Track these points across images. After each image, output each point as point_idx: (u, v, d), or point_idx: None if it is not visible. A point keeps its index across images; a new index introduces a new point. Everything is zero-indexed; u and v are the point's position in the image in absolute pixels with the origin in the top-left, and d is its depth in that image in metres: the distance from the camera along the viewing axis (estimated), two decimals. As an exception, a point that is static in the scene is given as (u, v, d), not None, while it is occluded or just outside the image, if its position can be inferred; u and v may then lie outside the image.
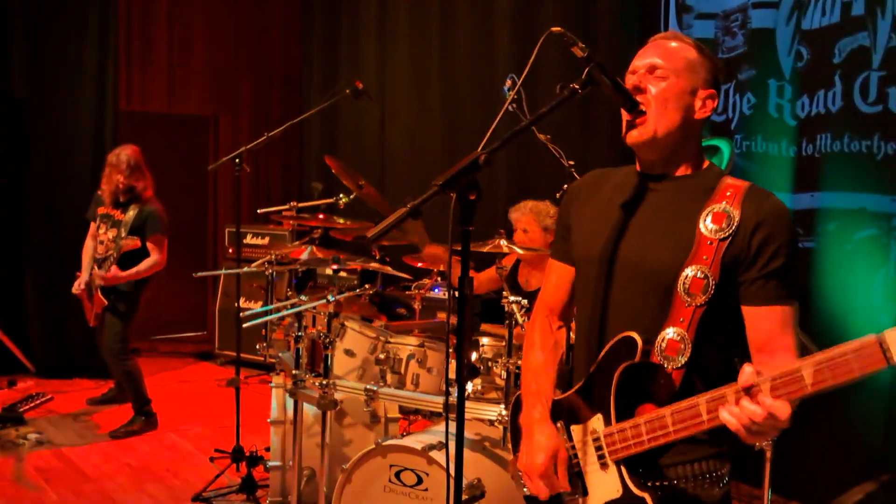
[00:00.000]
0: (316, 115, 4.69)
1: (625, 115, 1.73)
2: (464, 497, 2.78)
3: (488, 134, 1.65)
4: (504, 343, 3.09)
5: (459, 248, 1.56)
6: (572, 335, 2.05)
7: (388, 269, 3.99)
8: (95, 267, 5.01)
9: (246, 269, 4.29)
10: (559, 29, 1.66)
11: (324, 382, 3.17)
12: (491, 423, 3.03)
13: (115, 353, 4.99)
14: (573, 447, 1.75)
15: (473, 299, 4.39)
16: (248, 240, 7.05)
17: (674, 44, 1.74)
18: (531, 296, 3.97)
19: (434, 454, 2.88)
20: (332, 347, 3.26)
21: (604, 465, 1.68)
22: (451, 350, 3.00)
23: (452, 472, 1.63)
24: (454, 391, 2.82)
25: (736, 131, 4.32)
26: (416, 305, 4.46)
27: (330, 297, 3.21)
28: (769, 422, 1.37)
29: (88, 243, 5.17)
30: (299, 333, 3.38)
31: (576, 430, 1.75)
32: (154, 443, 4.92)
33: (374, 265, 3.90)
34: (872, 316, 3.64)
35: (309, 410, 3.54)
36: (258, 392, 6.06)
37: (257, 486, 4.00)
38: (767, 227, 1.61)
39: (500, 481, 3.00)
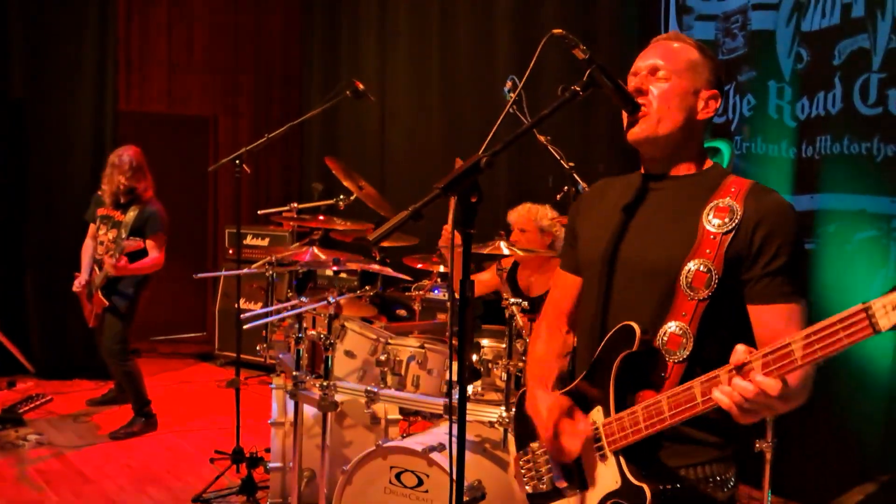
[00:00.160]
0: (316, 116, 4.69)
1: (626, 116, 1.74)
2: (464, 499, 2.78)
3: (489, 136, 1.65)
4: (504, 345, 3.09)
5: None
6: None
7: (389, 271, 3.99)
8: (95, 268, 5.01)
9: (246, 270, 4.29)
10: (560, 31, 1.66)
11: (324, 384, 3.17)
12: (491, 424, 3.03)
13: (115, 353, 4.99)
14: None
15: (474, 300, 4.39)
16: (249, 241, 7.05)
17: (676, 45, 1.75)
18: (534, 301, 3.97)
19: (435, 456, 2.88)
20: (333, 349, 3.25)
21: (603, 457, 1.67)
22: (451, 352, 3.00)
23: (453, 473, 1.63)
24: (455, 393, 2.82)
25: (736, 133, 4.33)
26: (417, 307, 4.45)
27: (330, 299, 3.21)
28: (761, 399, 1.36)
29: (88, 244, 5.17)
30: (300, 335, 3.38)
31: None
32: (154, 444, 4.92)
33: (374, 267, 3.90)
34: (872, 317, 3.63)
35: (309, 412, 3.54)
36: (258, 393, 6.06)
37: (257, 488, 4.00)
38: (769, 225, 1.61)
39: (501, 483, 3.00)
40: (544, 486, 1.82)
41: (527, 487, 1.86)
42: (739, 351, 1.40)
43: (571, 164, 3.43)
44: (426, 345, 3.28)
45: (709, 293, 1.61)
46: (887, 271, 3.64)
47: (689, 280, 1.63)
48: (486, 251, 3.35)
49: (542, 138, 3.40)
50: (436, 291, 4.73)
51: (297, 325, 3.42)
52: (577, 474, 1.74)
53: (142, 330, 6.15)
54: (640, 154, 1.81)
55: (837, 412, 3.80)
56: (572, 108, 1.65)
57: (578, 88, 1.63)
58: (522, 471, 1.88)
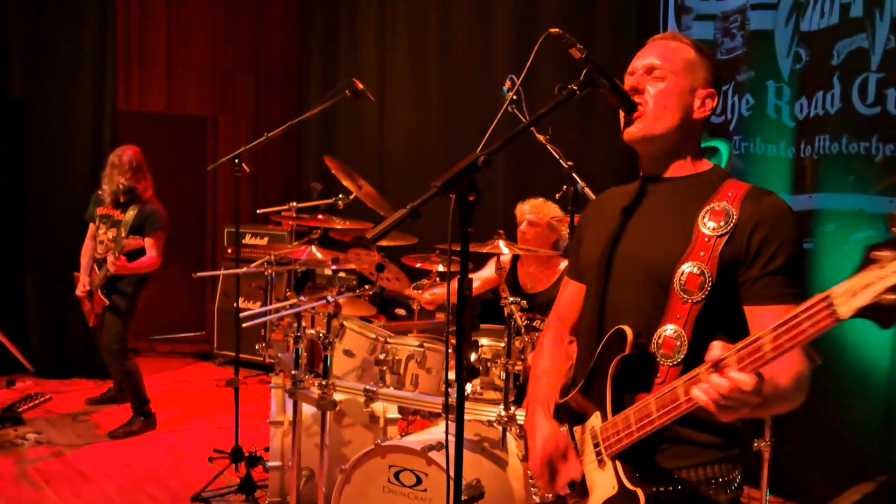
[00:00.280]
0: (315, 116, 4.69)
1: (623, 115, 1.74)
2: (463, 497, 2.78)
3: (487, 135, 1.65)
4: (503, 344, 3.09)
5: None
6: None
7: (384, 283, 3.99)
8: (95, 267, 5.01)
9: (245, 269, 4.29)
10: (557, 30, 1.66)
11: (323, 383, 3.17)
12: (490, 423, 3.03)
13: (115, 353, 4.99)
14: (575, 448, 1.76)
15: (472, 299, 4.38)
16: (247, 240, 7.05)
17: (672, 44, 1.75)
18: (534, 298, 3.98)
19: (433, 455, 2.88)
20: (332, 348, 3.26)
21: (601, 463, 1.67)
22: (450, 350, 3.00)
23: (451, 472, 1.63)
24: (453, 392, 2.83)
25: (734, 133, 4.33)
26: (415, 306, 4.46)
27: (329, 298, 3.21)
28: (736, 394, 1.34)
29: (88, 244, 5.17)
30: (298, 334, 3.38)
31: (577, 430, 1.76)
32: (153, 443, 4.92)
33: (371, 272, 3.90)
34: (870, 317, 3.64)
35: (308, 411, 3.55)
36: (257, 392, 6.07)
37: (256, 487, 4.00)
38: (767, 226, 1.59)
39: (499, 482, 3.01)
40: (550, 495, 1.83)
41: (535, 497, 1.87)
42: (716, 347, 1.39)
43: (570, 163, 3.42)
44: (425, 344, 3.29)
45: (702, 296, 1.60)
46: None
47: (683, 283, 1.61)
48: (485, 250, 3.35)
49: (540, 137, 3.40)
50: (434, 291, 4.73)
51: (295, 324, 3.42)
52: (580, 482, 1.74)
53: (141, 329, 6.15)
54: (637, 154, 1.81)
55: (836, 412, 3.80)
56: (570, 106, 1.65)
57: (575, 87, 1.63)
58: (531, 480, 1.89)
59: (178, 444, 4.90)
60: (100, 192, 5.09)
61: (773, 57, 4.14)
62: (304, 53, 8.11)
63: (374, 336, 3.44)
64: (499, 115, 1.73)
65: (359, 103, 4.55)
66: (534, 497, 1.88)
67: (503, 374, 3.00)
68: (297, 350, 3.35)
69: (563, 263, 4.14)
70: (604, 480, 1.66)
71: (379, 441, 3.05)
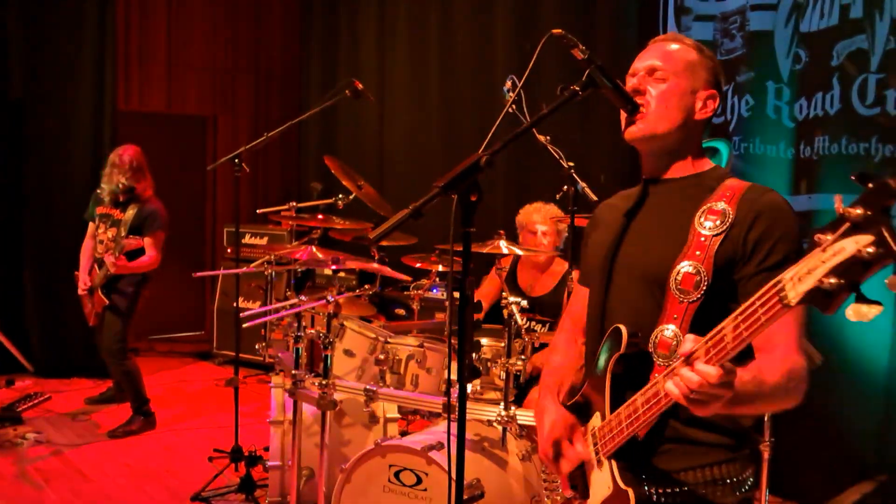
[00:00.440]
0: (315, 116, 4.69)
1: (625, 116, 1.74)
2: (463, 497, 2.78)
3: (489, 136, 1.66)
4: (503, 344, 3.09)
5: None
6: None
7: (387, 270, 3.99)
8: (95, 267, 5.01)
9: (245, 269, 4.29)
10: (560, 31, 1.66)
11: (323, 382, 3.18)
12: (490, 423, 3.03)
13: (115, 352, 4.99)
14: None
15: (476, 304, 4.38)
16: (247, 240, 7.05)
17: (674, 45, 1.76)
18: (534, 301, 3.98)
19: (433, 454, 2.88)
20: (332, 348, 3.26)
21: (599, 463, 1.67)
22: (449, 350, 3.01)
23: (451, 471, 1.63)
24: (454, 391, 2.83)
25: (734, 133, 4.33)
26: (415, 306, 4.46)
27: (329, 298, 3.21)
28: (704, 388, 1.32)
29: (87, 244, 5.17)
30: (299, 333, 3.39)
31: (580, 431, 1.77)
32: (153, 442, 4.92)
33: (373, 266, 3.91)
34: (870, 317, 3.65)
35: (308, 410, 3.55)
36: (257, 392, 6.07)
37: (256, 486, 4.00)
38: (764, 223, 1.59)
39: (499, 481, 3.01)
40: (559, 497, 1.83)
41: (546, 500, 1.87)
42: (688, 340, 1.37)
43: (571, 163, 3.43)
44: (425, 344, 3.29)
45: (699, 295, 1.59)
46: (885, 271, 3.65)
47: (678, 282, 1.61)
48: (485, 250, 3.36)
49: (541, 138, 3.40)
50: (434, 290, 4.74)
51: (295, 324, 3.43)
52: (581, 483, 1.75)
53: (140, 329, 6.15)
54: (639, 155, 1.82)
55: (835, 411, 3.81)
56: (571, 107, 1.66)
57: (577, 88, 1.64)
58: (545, 482, 1.89)
59: (177, 444, 4.90)
60: (99, 192, 5.09)
61: (772, 58, 4.15)
62: (304, 53, 8.11)
63: (374, 336, 3.45)
64: (501, 116, 1.74)
65: (359, 103, 4.56)
66: (545, 500, 1.88)
67: (503, 374, 3.01)
68: (297, 350, 3.36)
69: (563, 267, 4.15)
70: (601, 480, 1.66)
71: (379, 441, 3.05)
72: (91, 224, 5.17)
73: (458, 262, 1.59)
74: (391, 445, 3.01)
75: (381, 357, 3.30)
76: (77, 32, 6.48)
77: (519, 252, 3.48)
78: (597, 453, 1.68)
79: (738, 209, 1.61)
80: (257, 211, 4.95)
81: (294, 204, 4.27)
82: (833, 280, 1.10)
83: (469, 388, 3.21)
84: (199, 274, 4.64)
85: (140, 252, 4.88)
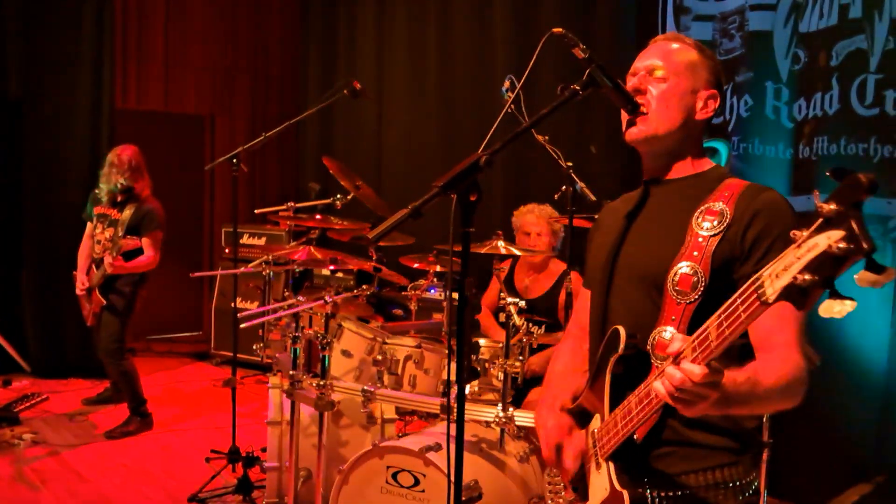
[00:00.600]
0: (313, 116, 4.69)
1: (625, 116, 1.74)
2: (461, 499, 2.78)
3: (489, 135, 1.65)
4: (501, 344, 3.08)
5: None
6: None
7: (385, 273, 3.99)
8: (94, 267, 5.00)
9: (243, 269, 4.28)
10: (560, 30, 1.66)
11: (321, 383, 3.17)
12: (488, 424, 3.02)
13: (112, 353, 4.97)
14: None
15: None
16: (245, 240, 7.04)
17: (674, 45, 1.75)
18: (531, 303, 3.97)
19: (431, 456, 2.88)
20: (330, 348, 3.25)
21: (598, 465, 1.66)
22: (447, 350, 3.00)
23: (449, 473, 1.62)
24: (452, 392, 2.82)
25: (733, 133, 4.33)
26: (413, 306, 4.45)
27: (327, 298, 3.21)
28: (688, 387, 1.31)
29: (85, 243, 5.16)
30: (296, 334, 3.38)
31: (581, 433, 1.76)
32: (150, 443, 4.91)
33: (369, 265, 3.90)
34: (868, 319, 3.65)
35: (306, 411, 3.54)
36: (254, 392, 6.05)
37: (253, 487, 3.99)
38: (762, 220, 1.57)
39: (497, 483, 3.00)
40: (562, 501, 1.83)
41: (549, 503, 1.87)
42: (676, 340, 1.36)
43: (570, 163, 3.42)
44: (423, 344, 3.28)
45: (696, 296, 1.57)
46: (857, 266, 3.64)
47: (676, 283, 1.60)
48: (483, 251, 3.35)
49: (540, 138, 3.39)
50: (432, 291, 4.73)
51: (293, 325, 3.42)
52: (582, 486, 1.74)
53: (138, 329, 6.13)
54: (640, 155, 1.81)
55: (833, 413, 3.80)
56: (570, 107, 1.65)
57: (578, 88, 1.63)
58: (549, 486, 1.89)
59: (175, 445, 4.89)
60: (97, 192, 5.08)
61: (771, 58, 4.14)
62: (302, 53, 8.10)
63: (371, 336, 3.44)
64: (501, 116, 1.73)
65: (357, 103, 4.56)
66: (549, 502, 1.88)
67: (501, 375, 3.00)
68: (294, 350, 3.35)
69: (559, 268, 4.14)
70: (599, 482, 1.66)
71: (377, 442, 3.05)
72: (89, 224, 5.16)
73: (458, 261, 1.58)
74: (389, 446, 3.00)
75: (379, 358, 3.30)
76: (75, 31, 6.47)
77: (517, 252, 3.48)
78: (596, 455, 1.67)
79: (736, 208, 1.60)
80: (255, 211, 4.94)
81: (292, 204, 4.25)
82: (808, 276, 1.09)
83: (467, 389, 3.20)
84: (196, 274, 4.63)
85: (138, 252, 4.87)
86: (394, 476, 2.97)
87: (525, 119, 3.06)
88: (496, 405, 2.99)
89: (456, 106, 6.29)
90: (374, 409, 3.58)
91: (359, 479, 3.04)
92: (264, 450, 3.93)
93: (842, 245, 1.06)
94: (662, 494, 1.62)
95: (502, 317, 3.12)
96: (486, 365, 3.26)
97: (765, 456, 3.17)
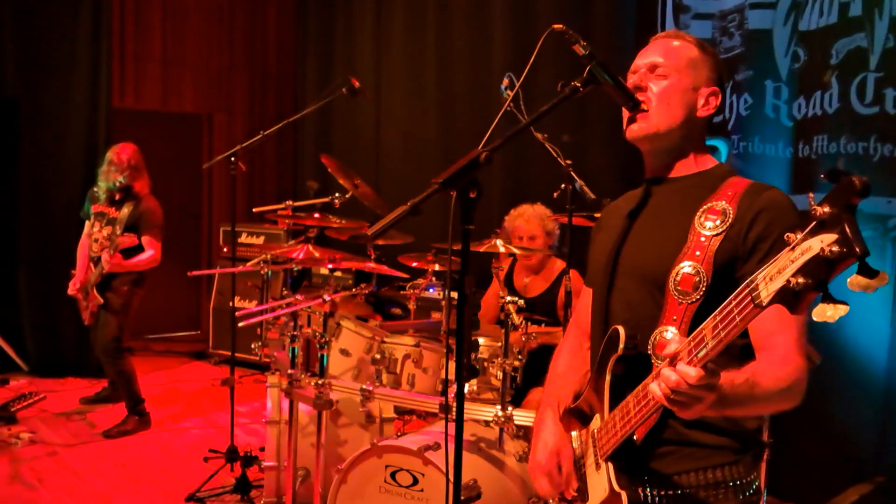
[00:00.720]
0: (311, 114, 4.67)
1: (626, 113, 1.72)
2: (460, 498, 2.77)
3: (489, 132, 1.64)
4: (500, 343, 3.07)
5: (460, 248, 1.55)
6: None
7: (385, 269, 3.98)
8: (91, 265, 4.99)
9: (241, 268, 4.27)
10: (561, 27, 1.64)
11: (319, 382, 3.16)
12: (486, 423, 3.01)
13: (110, 352, 4.96)
14: (580, 451, 1.75)
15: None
16: (243, 238, 7.02)
17: (675, 42, 1.74)
18: (530, 302, 3.96)
19: (430, 455, 2.87)
20: (328, 347, 3.24)
21: (597, 465, 1.65)
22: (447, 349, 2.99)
23: (448, 472, 1.62)
24: (451, 391, 2.81)
25: (733, 132, 4.32)
26: (411, 305, 4.44)
27: (325, 297, 3.19)
28: (684, 388, 1.30)
29: (84, 242, 5.15)
30: (295, 333, 3.37)
31: (583, 433, 1.75)
32: (148, 442, 4.90)
33: (369, 265, 3.89)
34: (868, 318, 3.64)
35: (304, 410, 3.53)
36: (253, 392, 6.04)
37: (252, 487, 3.98)
38: (764, 219, 1.56)
39: (496, 482, 2.99)
40: (562, 501, 1.82)
41: (550, 501, 1.86)
42: (673, 341, 1.36)
43: (569, 161, 3.41)
44: (421, 343, 3.27)
45: (698, 296, 1.56)
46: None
47: (677, 283, 1.58)
48: (481, 249, 3.34)
49: (539, 136, 3.38)
50: (430, 290, 4.72)
51: (292, 324, 3.41)
52: (582, 486, 1.73)
53: (136, 328, 6.11)
54: (642, 153, 1.80)
55: (833, 413, 3.80)
56: (569, 104, 1.64)
57: (579, 84, 1.62)
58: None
59: (172, 444, 4.88)
60: (95, 190, 5.07)
61: (771, 56, 4.14)
62: (300, 51, 8.09)
63: (370, 335, 3.43)
64: (500, 113, 1.72)
65: (355, 101, 4.54)
66: (549, 502, 1.87)
67: (500, 374, 2.99)
68: (293, 349, 3.34)
69: (557, 267, 4.13)
70: (598, 483, 1.65)
71: (375, 441, 3.03)
72: (87, 222, 5.15)
73: (457, 259, 1.57)
74: (387, 446, 3.00)
75: (378, 357, 3.29)
76: (72, 29, 6.45)
77: (515, 251, 3.47)
78: (595, 455, 1.66)
79: (739, 207, 1.59)
80: (253, 210, 4.92)
81: (290, 203, 4.24)
82: (801, 279, 1.09)
83: (465, 388, 3.19)
84: (194, 273, 4.61)
85: (135, 250, 4.86)
86: (392, 475, 2.96)
87: (524, 117, 3.05)
88: (495, 404, 2.97)
89: (454, 104, 6.28)
90: (372, 408, 3.57)
91: (357, 479, 3.03)
92: (262, 449, 3.93)
93: (834, 248, 1.06)
94: (662, 493, 1.61)
95: (501, 315, 3.10)
96: (485, 363, 3.25)
97: (765, 456, 3.16)
